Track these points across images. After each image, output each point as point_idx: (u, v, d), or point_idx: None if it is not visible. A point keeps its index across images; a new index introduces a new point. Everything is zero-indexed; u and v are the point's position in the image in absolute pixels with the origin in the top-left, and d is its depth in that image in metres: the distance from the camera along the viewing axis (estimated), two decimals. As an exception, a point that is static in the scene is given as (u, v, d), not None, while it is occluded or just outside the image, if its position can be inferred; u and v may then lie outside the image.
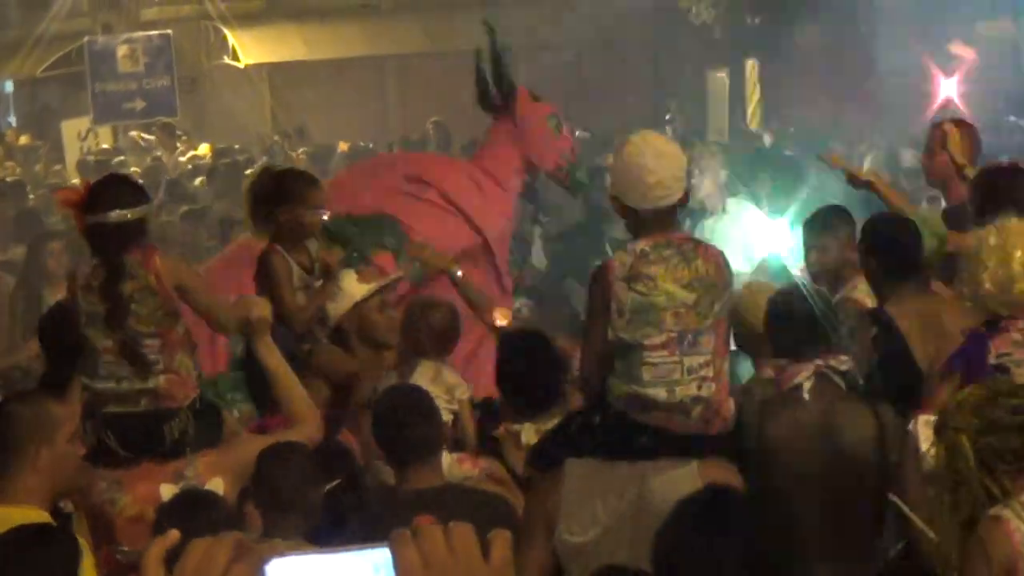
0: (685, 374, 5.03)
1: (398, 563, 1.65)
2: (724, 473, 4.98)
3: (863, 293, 6.51)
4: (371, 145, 19.42)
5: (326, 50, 24.77)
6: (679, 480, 4.90)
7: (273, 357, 5.77)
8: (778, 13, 19.42)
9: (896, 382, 5.73)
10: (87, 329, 5.69)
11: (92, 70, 19.89)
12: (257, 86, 24.95)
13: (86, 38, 21.02)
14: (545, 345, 6.10)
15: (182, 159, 19.17)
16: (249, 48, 24.52)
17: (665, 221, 5.23)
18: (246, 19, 24.86)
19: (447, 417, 6.07)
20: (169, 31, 20.97)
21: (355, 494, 5.26)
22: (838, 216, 6.93)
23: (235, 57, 24.52)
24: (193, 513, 4.56)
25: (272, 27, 24.98)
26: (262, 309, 5.80)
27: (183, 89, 21.13)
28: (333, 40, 24.84)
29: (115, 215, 5.62)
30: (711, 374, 5.07)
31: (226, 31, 24.65)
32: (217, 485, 4.96)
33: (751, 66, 20.97)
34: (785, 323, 5.60)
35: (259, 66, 24.74)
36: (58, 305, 6.61)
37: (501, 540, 1.70)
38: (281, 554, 1.67)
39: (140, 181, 6.21)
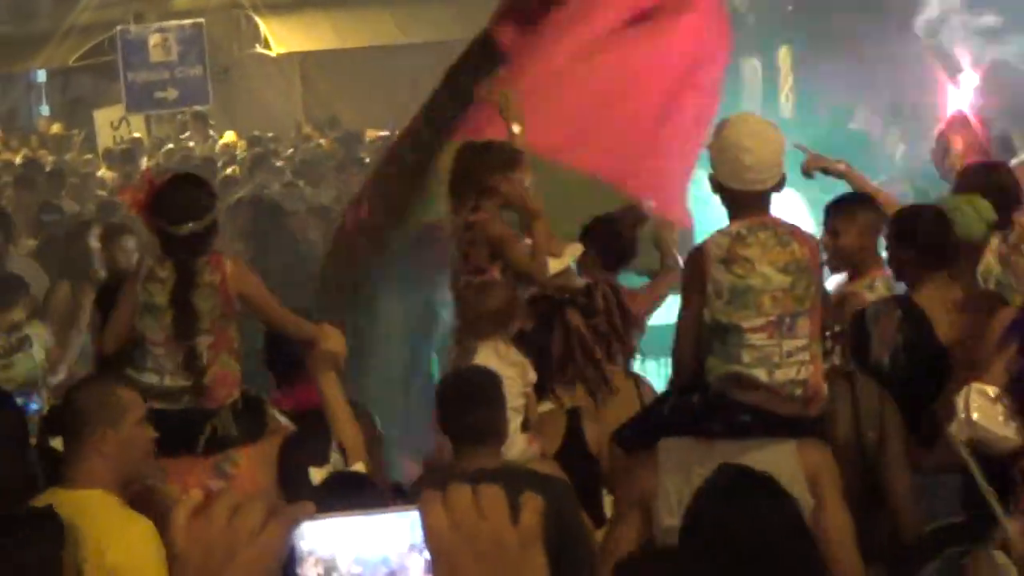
0: (784, 357, 5.07)
1: (426, 524, 1.64)
2: (821, 453, 5.05)
3: (880, 290, 6.49)
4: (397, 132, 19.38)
5: (358, 38, 24.74)
6: (778, 457, 4.95)
7: (332, 390, 5.73)
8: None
9: (920, 365, 5.73)
10: (141, 320, 5.80)
11: (124, 59, 19.93)
12: (289, 74, 24.96)
13: (118, 27, 21.05)
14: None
15: (216, 147, 19.19)
16: (281, 36, 24.51)
17: (760, 203, 5.28)
18: (278, 7, 24.85)
19: (519, 402, 5.90)
20: (201, 20, 20.99)
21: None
22: (858, 203, 6.88)
23: (267, 46, 24.53)
24: (346, 494, 4.49)
25: (304, 15, 24.96)
26: (336, 343, 5.79)
27: (215, 78, 21.13)
28: (365, 28, 24.80)
29: (188, 228, 5.75)
30: (808, 358, 5.11)
31: (258, 20, 24.65)
32: (361, 467, 4.92)
33: (784, 53, 20.86)
34: None
35: (291, 55, 24.75)
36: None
37: (531, 505, 1.68)
38: (313, 516, 1.66)
39: (206, 179, 6.17)
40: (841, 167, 7.26)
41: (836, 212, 6.75)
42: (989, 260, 6.51)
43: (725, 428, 5.05)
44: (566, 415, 6.04)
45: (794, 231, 5.27)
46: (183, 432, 5.64)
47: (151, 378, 5.75)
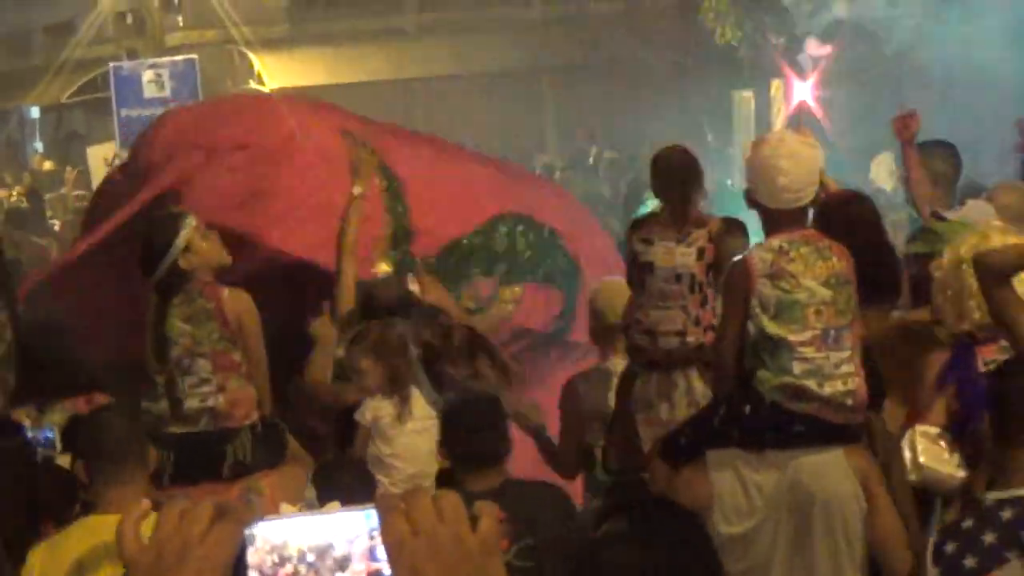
0: (833, 369, 5.19)
1: (385, 529, 1.62)
2: (866, 458, 5.22)
3: None
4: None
5: (351, 74, 24.79)
6: (828, 464, 5.15)
7: None
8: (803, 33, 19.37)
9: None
10: (149, 358, 6.03)
11: (118, 95, 19.90)
12: (282, 110, 24.95)
13: (111, 64, 21.04)
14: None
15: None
16: (274, 72, 24.56)
17: (796, 219, 5.37)
18: (271, 44, 24.92)
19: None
20: (194, 56, 20.98)
21: None
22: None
23: (260, 81, 24.57)
24: None
25: (297, 51, 25.03)
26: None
27: (208, 114, 21.10)
28: (358, 64, 24.86)
29: (155, 278, 6.06)
30: (853, 369, 5.22)
31: (251, 56, 24.69)
32: (334, 506, 4.99)
33: (776, 86, 20.93)
34: None
35: (284, 90, 24.77)
36: None
37: (489, 512, 1.66)
38: (262, 517, 1.64)
39: (170, 218, 6.31)
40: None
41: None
42: None
43: (778, 439, 5.20)
44: None
45: (832, 245, 5.35)
46: (203, 455, 5.81)
47: (163, 404, 5.95)
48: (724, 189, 13.54)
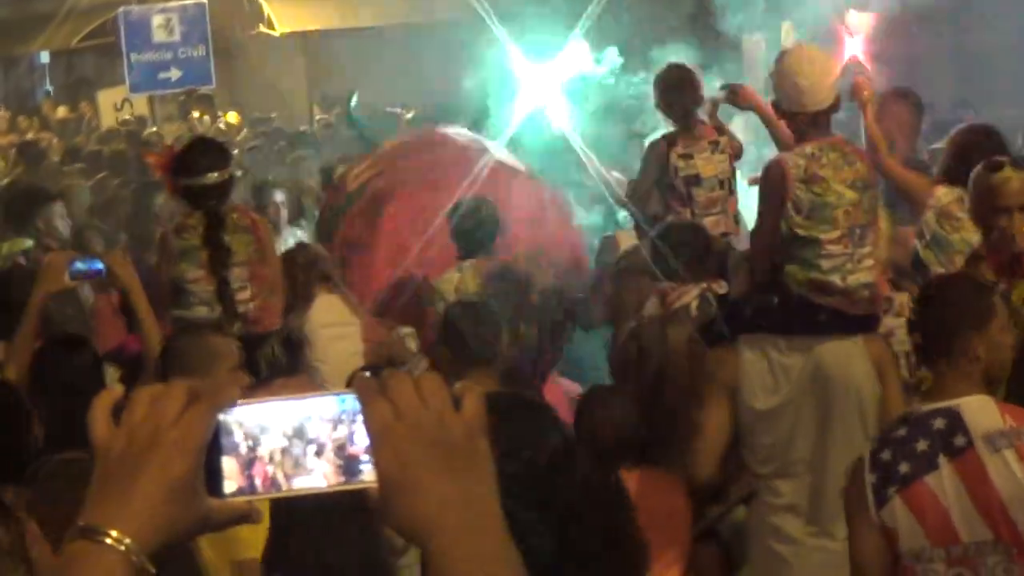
0: (856, 263, 5.75)
1: (369, 414, 1.57)
2: (882, 347, 5.75)
3: None
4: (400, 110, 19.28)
5: (362, 17, 24.71)
6: (849, 351, 5.70)
7: None
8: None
9: None
10: (180, 264, 6.37)
11: (127, 40, 19.82)
12: (292, 54, 24.92)
13: (121, 8, 20.97)
14: None
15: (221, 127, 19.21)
16: (284, 16, 24.48)
17: (821, 125, 5.89)
18: (281, -12, 24.83)
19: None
20: (204, 1, 20.93)
21: None
22: None
23: (270, 26, 24.50)
24: None
25: (307, -5, 24.95)
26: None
27: (218, 58, 21.09)
28: (368, 7, 24.77)
29: (211, 178, 6.36)
30: (873, 263, 5.81)
31: (261, 0, 24.62)
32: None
33: (787, 29, 20.80)
34: (671, 250, 6.43)
35: (294, 34, 24.72)
36: None
37: (472, 394, 1.61)
38: (234, 403, 1.60)
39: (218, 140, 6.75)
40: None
41: None
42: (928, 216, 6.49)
43: (804, 327, 5.73)
44: None
45: (856, 150, 5.97)
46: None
47: (200, 311, 6.28)
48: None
